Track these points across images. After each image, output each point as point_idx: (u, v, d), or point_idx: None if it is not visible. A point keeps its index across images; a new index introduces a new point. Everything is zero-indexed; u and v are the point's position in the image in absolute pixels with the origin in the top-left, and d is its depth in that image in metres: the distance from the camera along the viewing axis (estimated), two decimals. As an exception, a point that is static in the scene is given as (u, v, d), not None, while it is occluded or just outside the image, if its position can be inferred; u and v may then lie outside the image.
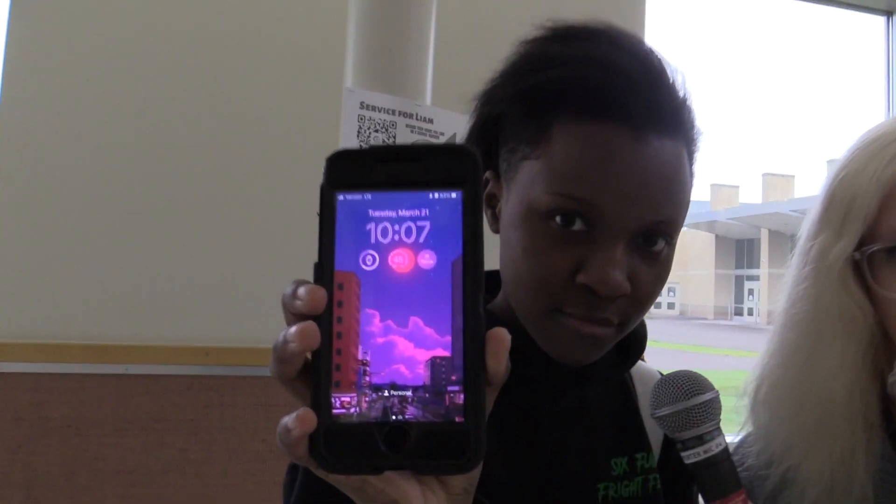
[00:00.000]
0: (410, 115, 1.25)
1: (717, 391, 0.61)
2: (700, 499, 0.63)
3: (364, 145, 1.20)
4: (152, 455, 1.86)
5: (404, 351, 0.40)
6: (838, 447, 0.65)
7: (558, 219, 0.61)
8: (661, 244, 0.62)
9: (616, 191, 0.59)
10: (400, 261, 0.41)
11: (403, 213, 0.41)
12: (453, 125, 1.30)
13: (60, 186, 1.86)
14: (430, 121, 1.28)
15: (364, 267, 0.41)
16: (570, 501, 0.68)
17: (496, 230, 0.69)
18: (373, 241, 0.42)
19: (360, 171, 0.43)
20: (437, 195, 0.41)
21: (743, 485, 0.59)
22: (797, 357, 0.70)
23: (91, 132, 1.87)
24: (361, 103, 1.21)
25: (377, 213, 0.42)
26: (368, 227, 0.42)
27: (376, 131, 1.22)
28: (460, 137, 1.31)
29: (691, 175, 0.66)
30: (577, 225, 0.61)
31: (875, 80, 3.21)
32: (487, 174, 0.70)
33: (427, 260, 0.41)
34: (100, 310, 1.85)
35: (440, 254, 0.41)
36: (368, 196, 0.42)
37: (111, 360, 1.83)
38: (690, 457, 0.59)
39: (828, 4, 2.99)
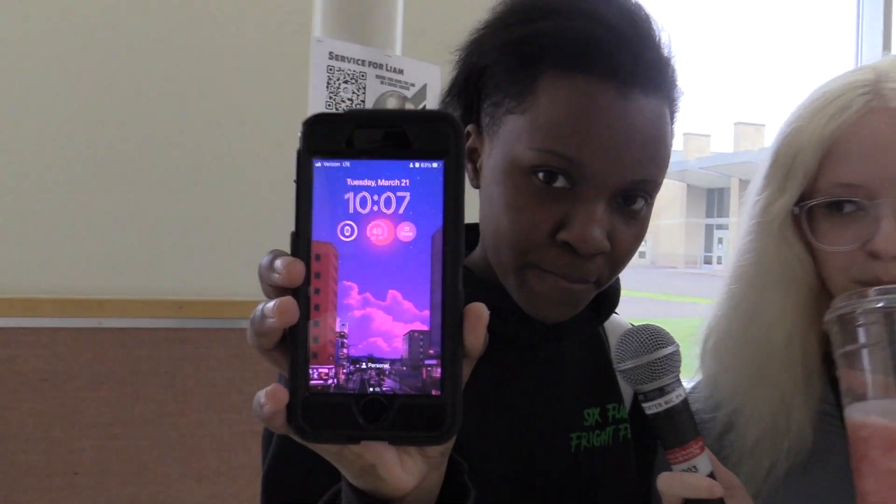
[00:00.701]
0: (380, 66, 1.24)
1: (678, 345, 0.63)
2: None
3: (335, 100, 1.20)
4: (128, 408, 1.88)
5: (382, 324, 0.40)
6: (778, 391, 0.69)
7: (541, 175, 0.62)
8: (640, 203, 0.64)
9: (600, 149, 0.60)
10: (379, 232, 0.40)
11: (383, 182, 0.41)
12: (424, 76, 1.29)
13: (30, 140, 1.83)
14: (401, 71, 1.27)
15: (342, 238, 0.41)
16: (543, 451, 0.72)
17: (476, 185, 0.70)
18: (351, 210, 0.41)
19: (339, 137, 0.41)
20: (417, 165, 0.40)
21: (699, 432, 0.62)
22: (741, 308, 0.73)
23: (63, 87, 1.84)
24: (331, 53, 1.19)
25: (356, 182, 0.41)
26: (347, 196, 0.41)
27: (346, 82, 1.21)
28: (431, 88, 1.31)
29: (672, 134, 0.67)
30: (560, 182, 0.62)
31: (845, 30, 3.24)
32: (469, 128, 0.71)
33: (407, 232, 0.40)
34: (72, 264, 1.85)
35: (420, 226, 0.40)
36: (347, 164, 0.41)
37: (84, 314, 1.84)
38: (652, 408, 0.61)
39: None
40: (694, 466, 0.59)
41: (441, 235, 0.40)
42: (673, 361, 0.62)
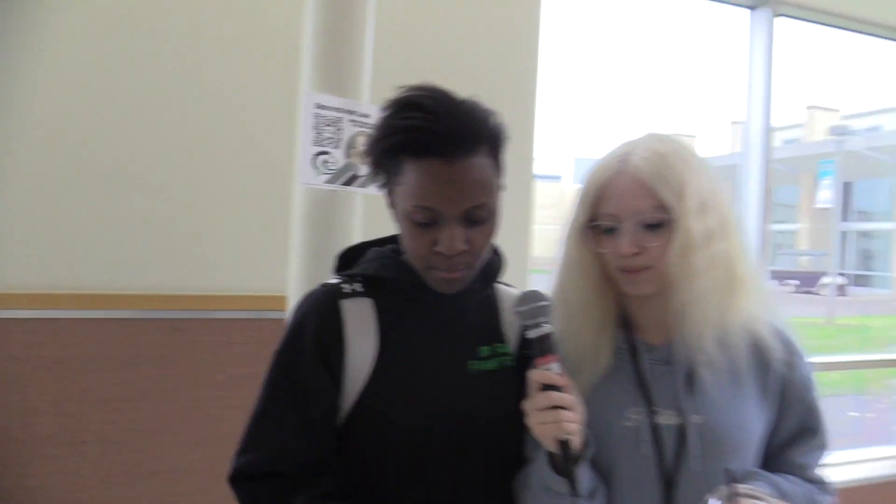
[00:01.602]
0: (353, 112, 1.63)
1: (550, 300, 1.05)
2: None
3: (319, 138, 1.59)
4: (130, 386, 2.19)
5: None
6: (588, 335, 1.10)
7: (418, 217, 1.03)
8: (482, 217, 1.04)
9: (442, 197, 1.00)
10: None
11: None
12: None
13: (46, 147, 2.11)
14: (368, 116, 1.66)
15: None
16: (451, 372, 1.11)
17: (396, 221, 1.10)
18: None
19: None
20: None
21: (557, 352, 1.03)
22: (562, 287, 1.14)
23: (71, 94, 2.13)
24: (316, 104, 1.58)
25: None
26: None
27: (327, 125, 1.59)
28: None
29: (495, 167, 1.06)
30: (430, 219, 1.02)
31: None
32: (386, 191, 1.10)
33: None
34: (83, 263, 2.14)
35: None
36: None
37: (93, 307, 2.14)
38: (532, 332, 1.02)
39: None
40: (550, 368, 0.99)
41: None
42: (547, 308, 1.03)
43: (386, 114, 1.05)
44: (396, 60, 2.33)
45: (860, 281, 23.88)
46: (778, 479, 1.05)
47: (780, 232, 28.18)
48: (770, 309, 1.11)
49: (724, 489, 0.91)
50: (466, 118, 1.01)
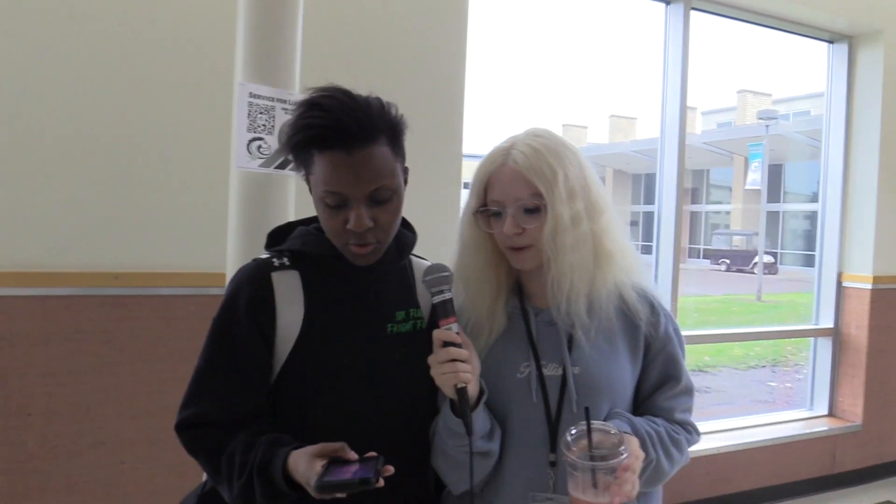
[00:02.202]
0: (284, 101, 1.76)
1: (451, 273, 1.22)
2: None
3: (253, 126, 1.71)
4: (73, 360, 2.28)
5: None
6: (485, 303, 1.28)
7: (329, 201, 1.18)
8: (384, 196, 1.19)
9: (347, 182, 1.15)
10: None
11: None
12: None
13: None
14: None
15: None
16: (372, 334, 1.27)
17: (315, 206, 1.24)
18: None
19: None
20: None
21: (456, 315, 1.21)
22: (461, 263, 1.32)
23: (8, 78, 2.19)
24: (250, 93, 1.70)
25: None
26: None
27: (260, 113, 1.72)
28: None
29: (395, 153, 1.21)
30: (339, 202, 1.17)
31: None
32: (305, 178, 1.25)
33: None
34: (25, 241, 2.22)
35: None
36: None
37: (35, 284, 2.22)
38: (436, 298, 1.19)
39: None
40: (450, 327, 1.17)
41: None
42: (448, 278, 1.20)
43: (295, 114, 1.19)
44: (326, 51, 2.48)
45: (788, 260, 24.96)
46: (638, 419, 1.25)
47: (716, 212, 29.17)
48: (636, 277, 1.30)
49: (582, 424, 1.11)
50: (362, 113, 1.16)
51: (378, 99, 1.20)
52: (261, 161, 1.73)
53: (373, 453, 1.08)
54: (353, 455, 1.08)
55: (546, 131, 1.29)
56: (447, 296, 1.20)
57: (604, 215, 1.27)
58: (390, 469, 1.07)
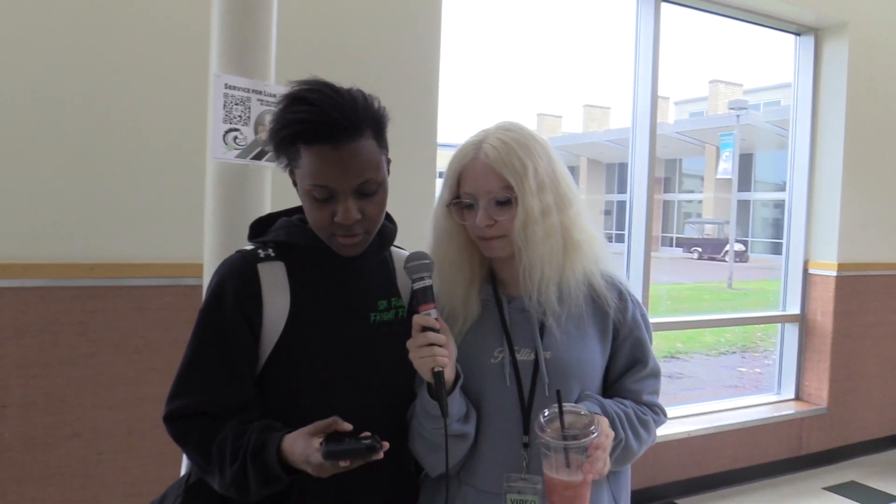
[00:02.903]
0: (260, 92, 1.77)
1: (431, 261, 1.25)
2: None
3: (229, 117, 1.72)
4: (48, 352, 2.28)
5: None
6: (460, 291, 1.32)
7: (315, 194, 1.20)
8: (371, 189, 1.22)
9: (334, 176, 1.18)
10: None
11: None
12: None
13: None
14: (274, 95, 1.79)
15: None
16: (356, 323, 1.30)
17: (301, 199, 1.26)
18: None
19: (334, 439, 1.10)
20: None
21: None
22: (438, 251, 1.35)
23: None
24: (226, 84, 1.71)
25: None
26: None
27: (236, 104, 1.73)
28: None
29: (380, 145, 1.24)
30: (325, 195, 1.20)
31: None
32: (288, 170, 1.26)
33: None
34: None
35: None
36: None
37: (9, 276, 2.21)
38: (416, 285, 1.23)
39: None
40: (429, 313, 1.21)
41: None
42: (428, 265, 1.23)
43: (280, 108, 1.20)
44: (300, 42, 2.48)
45: (758, 248, 25.38)
46: (607, 401, 1.30)
47: (688, 201, 29.53)
48: (604, 266, 1.35)
49: (554, 406, 1.15)
50: (348, 107, 1.18)
51: (361, 92, 1.22)
52: (237, 152, 1.74)
53: (367, 433, 1.11)
54: (347, 426, 1.12)
55: (516, 125, 1.32)
56: (427, 283, 1.24)
57: (572, 207, 1.31)
58: (387, 445, 1.10)
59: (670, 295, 13.80)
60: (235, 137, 1.74)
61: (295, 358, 1.24)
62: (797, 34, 4.43)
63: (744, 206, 24.93)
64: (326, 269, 1.29)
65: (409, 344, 1.21)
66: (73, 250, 2.30)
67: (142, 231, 2.37)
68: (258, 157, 1.77)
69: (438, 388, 1.18)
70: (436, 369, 1.18)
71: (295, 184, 1.26)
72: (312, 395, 1.24)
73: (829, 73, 4.35)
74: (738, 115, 20.65)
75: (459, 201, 1.31)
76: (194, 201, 2.03)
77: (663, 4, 3.77)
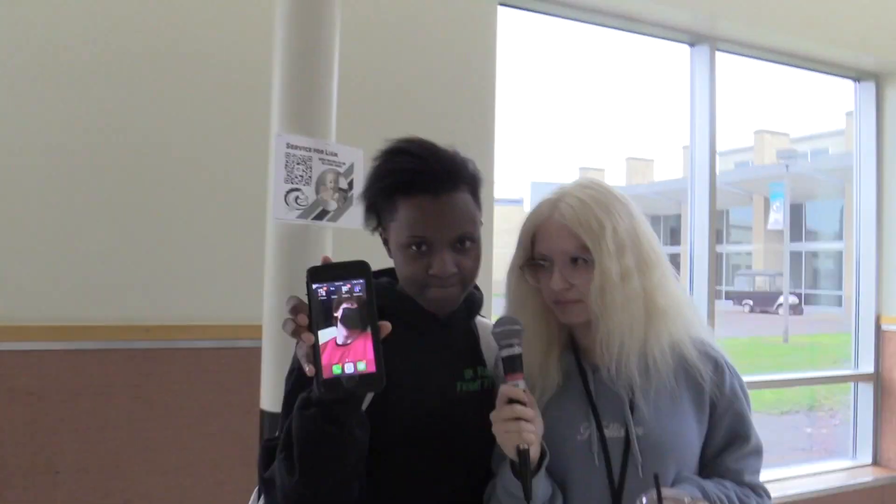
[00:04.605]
0: (321, 151, 1.74)
1: (521, 327, 1.17)
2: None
3: (290, 176, 1.69)
4: (103, 416, 2.24)
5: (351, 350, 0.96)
6: (535, 359, 1.23)
7: (413, 247, 1.18)
8: (467, 244, 1.20)
9: (433, 227, 1.17)
10: (346, 306, 0.97)
11: (344, 289, 0.97)
12: (351, 157, 1.80)
13: (13, 176, 2.17)
14: (336, 154, 1.77)
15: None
16: (441, 393, 1.23)
17: (391, 257, 1.25)
18: (331, 304, 0.97)
19: (324, 274, 0.97)
20: (354, 282, 0.97)
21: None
22: (512, 313, 1.26)
23: (39, 124, 2.20)
24: (287, 144, 1.68)
25: (332, 291, 0.97)
26: (329, 298, 0.97)
27: (298, 164, 1.70)
28: (357, 165, 1.82)
29: (477, 203, 1.23)
30: (423, 248, 1.18)
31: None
32: (380, 230, 1.26)
33: (356, 305, 0.97)
34: (54, 295, 2.19)
35: (360, 304, 0.97)
36: (325, 286, 0.97)
37: (66, 338, 2.19)
38: (505, 352, 1.14)
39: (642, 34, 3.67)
40: (517, 384, 1.11)
41: (367, 306, 0.97)
42: (518, 331, 1.15)
43: (378, 162, 1.21)
44: (361, 103, 2.47)
45: (813, 300, 24.58)
46: (707, 483, 1.18)
47: (737, 253, 28.90)
48: (695, 333, 1.24)
49: (652, 492, 1.04)
50: (449, 161, 1.19)
51: (458, 151, 1.24)
52: (298, 212, 1.70)
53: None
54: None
55: (595, 182, 1.25)
56: (516, 350, 1.15)
57: (656, 269, 1.22)
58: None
59: (727, 350, 13.32)
60: (297, 198, 1.70)
61: (381, 425, 1.17)
62: (856, 80, 4.31)
63: (796, 257, 24.29)
64: (416, 333, 1.25)
65: (494, 416, 1.12)
66: (129, 311, 2.28)
67: (199, 292, 2.34)
68: (319, 216, 1.73)
69: (523, 468, 1.07)
70: (522, 446, 1.08)
71: (386, 242, 1.25)
72: (395, 466, 1.19)
73: (893, 118, 4.20)
74: (787, 165, 20.30)
75: (534, 262, 1.23)
76: (253, 261, 2.00)
77: (718, 54, 3.70)
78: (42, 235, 2.21)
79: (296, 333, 0.96)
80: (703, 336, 1.26)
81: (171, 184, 2.34)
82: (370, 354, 0.95)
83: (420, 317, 1.24)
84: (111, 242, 2.27)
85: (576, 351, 1.27)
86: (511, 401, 1.11)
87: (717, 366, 1.25)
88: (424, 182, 1.16)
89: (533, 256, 1.24)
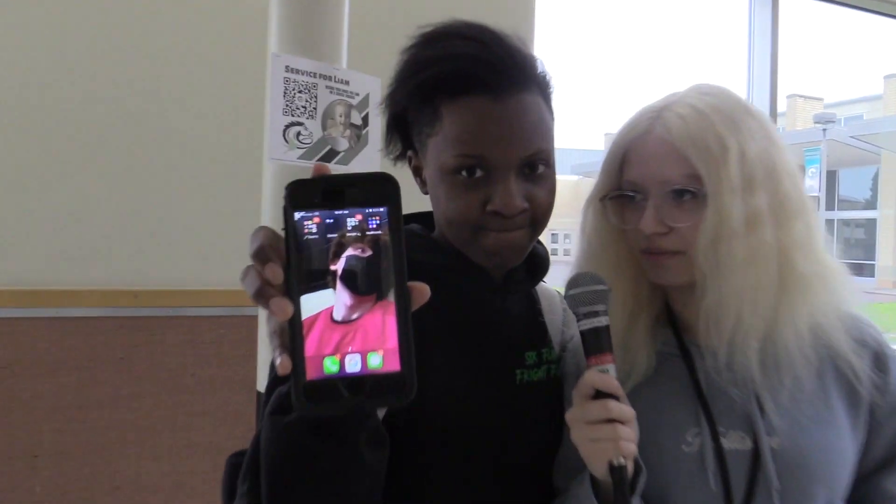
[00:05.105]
0: (329, 78, 1.42)
1: (609, 287, 0.83)
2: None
3: (290, 107, 1.37)
4: (86, 392, 1.99)
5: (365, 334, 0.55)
6: (618, 324, 0.88)
7: (463, 172, 0.83)
8: (541, 168, 0.85)
9: (495, 142, 0.82)
10: (353, 254, 0.55)
11: (350, 222, 0.55)
12: (367, 86, 1.48)
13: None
14: (347, 83, 1.45)
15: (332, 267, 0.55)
16: (496, 382, 0.91)
17: (425, 192, 0.91)
18: (325, 245, 0.54)
19: (312, 195, 0.54)
20: (369, 210, 0.54)
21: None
22: (583, 267, 0.93)
23: (30, 78, 1.93)
24: (286, 67, 1.36)
25: (329, 225, 0.55)
26: (324, 236, 0.54)
27: (300, 92, 1.38)
28: (373, 97, 1.50)
29: (550, 112, 0.88)
30: (478, 173, 0.83)
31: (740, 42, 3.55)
32: (410, 153, 0.92)
33: (370, 252, 0.55)
34: (30, 256, 1.94)
35: (377, 249, 0.54)
36: (317, 214, 0.54)
37: (43, 304, 1.93)
38: (585, 323, 0.80)
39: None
40: (606, 369, 0.79)
41: (392, 253, 0.54)
42: (605, 294, 0.82)
43: (410, 52, 0.87)
44: (379, 20, 2.11)
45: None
46: None
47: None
48: (846, 311, 0.89)
49: None
50: (517, 52, 0.84)
51: (522, 40, 0.88)
52: (300, 151, 1.39)
53: None
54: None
55: (719, 88, 0.90)
56: (602, 321, 0.81)
57: (798, 219, 0.87)
58: None
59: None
60: (298, 133, 1.39)
61: (417, 431, 0.85)
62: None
63: (828, 225, 23.67)
64: (459, 300, 0.91)
65: (574, 417, 0.79)
66: (115, 274, 2.01)
67: (195, 252, 2.06)
68: (326, 157, 1.42)
69: (619, 492, 0.75)
70: (616, 462, 0.75)
71: (418, 171, 0.92)
72: (439, 487, 0.87)
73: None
74: (824, 129, 19.60)
75: (621, 193, 0.90)
76: (251, 214, 1.70)
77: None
78: (14, 187, 1.94)
79: (261, 297, 0.56)
80: (860, 320, 0.92)
81: (161, 125, 2.05)
82: (392, 340, 0.54)
83: (467, 276, 0.90)
84: (94, 195, 1.99)
85: (674, 324, 0.94)
86: (599, 394, 0.78)
87: (878, 358, 0.90)
88: (484, 76, 0.81)
89: (620, 186, 0.91)
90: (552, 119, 0.89)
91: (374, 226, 0.55)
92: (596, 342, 0.80)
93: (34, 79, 1.95)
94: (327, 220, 0.55)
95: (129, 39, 2.02)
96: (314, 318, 0.55)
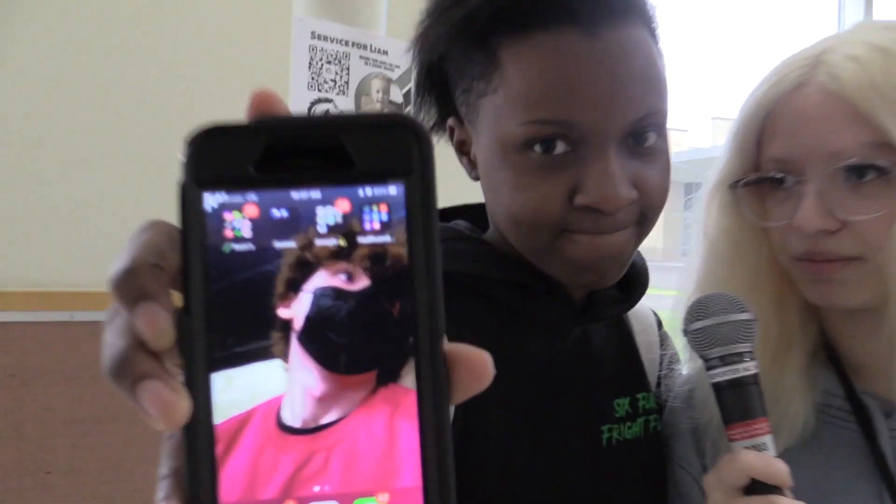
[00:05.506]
0: (364, 47, 1.20)
1: (754, 316, 0.58)
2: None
3: (317, 81, 1.15)
4: (102, 403, 1.85)
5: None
6: (762, 362, 0.61)
7: (537, 147, 0.57)
8: (652, 137, 0.59)
9: (587, 100, 0.55)
10: (324, 283, 0.27)
11: (318, 218, 0.27)
12: (408, 57, 1.26)
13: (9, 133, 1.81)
14: (386, 52, 1.23)
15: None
16: (574, 445, 0.66)
17: (476, 177, 0.66)
18: (269, 264, 0.28)
19: (244, 158, 0.28)
20: (367, 191, 0.27)
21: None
22: (707, 281, 0.70)
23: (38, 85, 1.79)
24: (312, 33, 1.15)
25: (270, 222, 0.28)
26: (258, 244, 0.28)
27: (329, 63, 1.17)
28: (417, 70, 1.27)
29: (660, 54, 0.61)
30: (560, 148, 0.57)
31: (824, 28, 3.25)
32: (451, 121, 0.67)
33: (354, 287, 0.27)
34: (41, 256, 1.82)
35: (375, 277, 0.27)
36: (254, 196, 0.28)
37: (54, 308, 1.80)
38: (720, 374, 0.56)
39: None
40: (763, 444, 0.54)
41: (411, 296, 0.26)
42: (751, 327, 0.57)
43: None
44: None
45: None
46: None
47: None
48: None
49: None
50: None
51: None
52: (328, 134, 1.17)
53: None
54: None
55: None
56: (750, 368, 0.56)
57: None
58: None
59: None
60: (327, 112, 1.17)
61: (473, 477, 0.61)
62: None
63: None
64: (529, 332, 0.66)
65: None
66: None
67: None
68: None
69: None
70: None
71: (463, 145, 0.66)
72: None
73: None
74: None
75: (762, 176, 0.65)
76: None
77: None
78: (24, 189, 1.80)
79: (125, 376, 0.30)
80: None
81: (180, 133, 1.87)
82: (410, 472, 0.26)
83: (539, 299, 0.64)
84: (106, 187, 1.86)
85: (837, 364, 0.67)
86: (756, 487, 0.52)
87: None
88: (569, 3, 0.54)
89: (761, 165, 0.66)
90: (664, 66, 0.61)
91: (377, 225, 0.27)
92: (742, 402, 0.55)
93: (57, 90, 1.80)
94: (275, 213, 0.28)
95: (138, 17, 1.86)
96: (242, 422, 0.28)
